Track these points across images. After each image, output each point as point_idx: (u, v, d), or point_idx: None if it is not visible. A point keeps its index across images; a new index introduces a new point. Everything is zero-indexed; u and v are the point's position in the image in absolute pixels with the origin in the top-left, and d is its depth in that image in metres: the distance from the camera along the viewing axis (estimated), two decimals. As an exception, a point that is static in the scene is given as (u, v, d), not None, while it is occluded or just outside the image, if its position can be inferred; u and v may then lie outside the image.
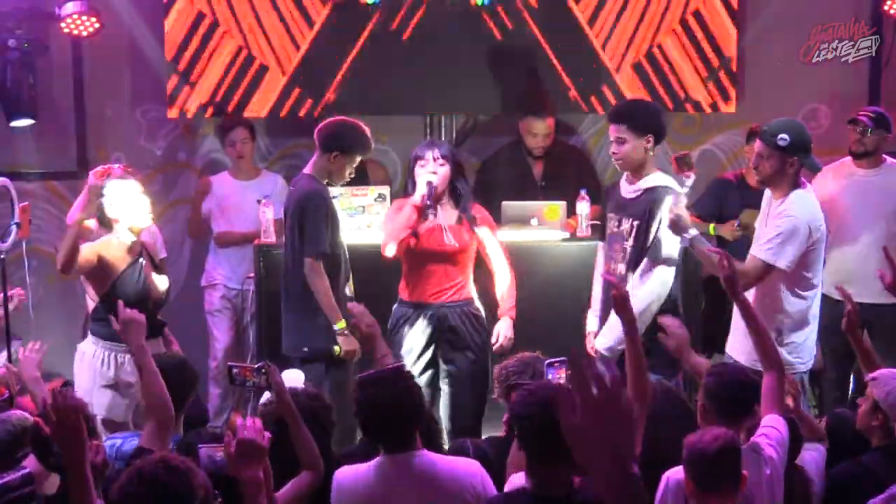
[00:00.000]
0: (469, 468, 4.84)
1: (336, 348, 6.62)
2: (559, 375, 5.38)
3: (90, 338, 6.79)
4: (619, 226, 6.51)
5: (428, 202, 6.68)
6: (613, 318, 6.24)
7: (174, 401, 5.10)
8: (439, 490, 4.70)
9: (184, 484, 3.89)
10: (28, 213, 7.40)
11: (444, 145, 6.98)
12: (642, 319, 6.14)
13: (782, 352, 6.14)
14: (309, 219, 6.68)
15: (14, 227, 7.19)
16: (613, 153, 6.49)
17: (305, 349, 6.73)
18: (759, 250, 6.17)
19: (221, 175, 8.42)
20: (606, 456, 2.51)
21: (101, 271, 6.60)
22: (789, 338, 6.24)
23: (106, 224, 6.70)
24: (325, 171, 6.80)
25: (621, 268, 6.49)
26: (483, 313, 6.94)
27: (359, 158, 6.88)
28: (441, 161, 6.76)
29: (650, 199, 6.38)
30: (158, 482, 3.86)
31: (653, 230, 6.38)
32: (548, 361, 5.49)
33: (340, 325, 6.66)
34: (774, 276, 6.20)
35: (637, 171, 6.48)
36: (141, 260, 6.73)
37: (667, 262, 6.38)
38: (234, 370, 5.29)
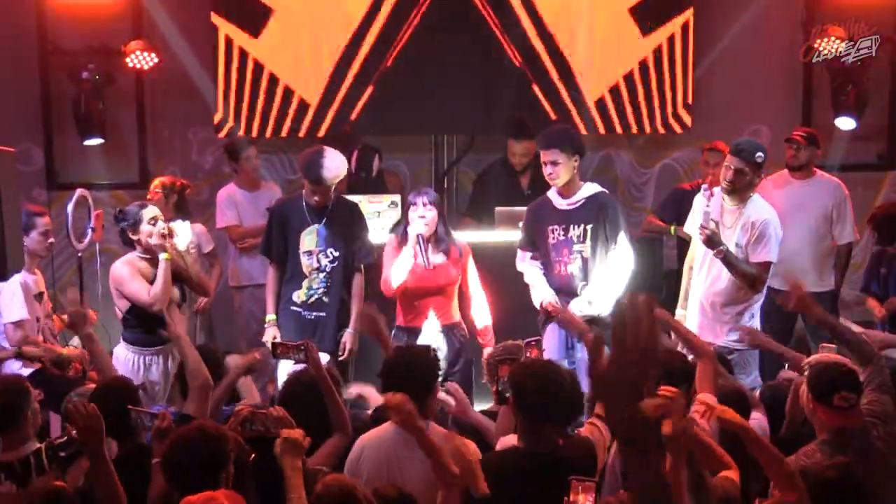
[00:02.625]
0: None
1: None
2: (534, 353, 5.43)
3: (122, 343, 6.44)
4: (566, 234, 6.44)
5: (419, 246, 6.51)
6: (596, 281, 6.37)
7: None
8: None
9: (217, 447, 4.06)
10: (101, 220, 7.46)
11: (430, 192, 6.67)
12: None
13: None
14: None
15: (90, 231, 7.25)
16: (549, 174, 6.38)
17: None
18: (756, 256, 6.26)
19: (229, 187, 8.20)
20: (624, 400, 2.55)
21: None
22: (755, 318, 6.35)
23: (128, 243, 6.42)
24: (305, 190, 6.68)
25: (571, 268, 6.43)
26: (466, 331, 6.69)
27: (315, 185, 6.53)
28: (429, 206, 6.51)
29: (598, 204, 6.41)
30: (196, 447, 4.02)
31: (609, 228, 6.39)
32: (526, 341, 5.52)
33: (269, 317, 6.66)
34: None
35: (568, 185, 6.43)
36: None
37: (626, 248, 6.41)
38: (278, 348, 5.30)
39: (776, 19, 8.84)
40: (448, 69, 8.57)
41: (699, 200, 6.46)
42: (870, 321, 7.92)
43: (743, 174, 6.27)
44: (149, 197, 7.50)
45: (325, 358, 5.81)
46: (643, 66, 8.66)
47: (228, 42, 8.55)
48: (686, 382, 4.96)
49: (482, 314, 6.70)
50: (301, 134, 8.65)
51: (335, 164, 6.53)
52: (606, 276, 6.39)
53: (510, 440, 4.67)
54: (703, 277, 6.46)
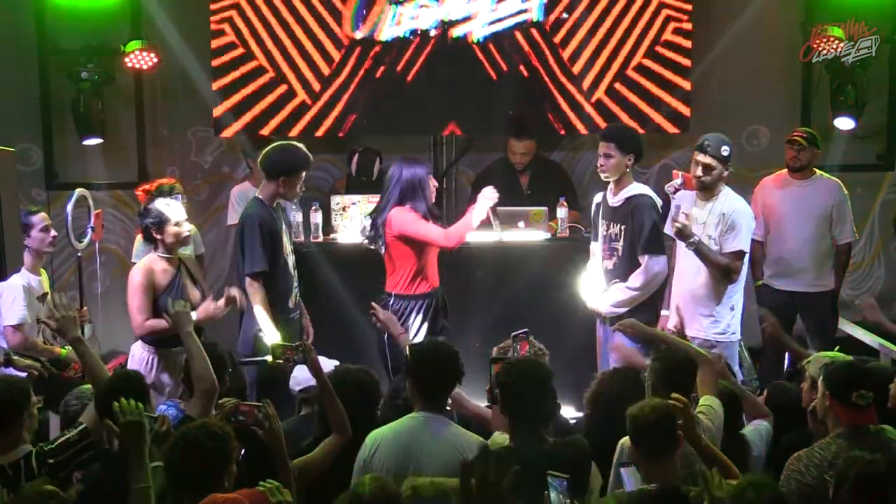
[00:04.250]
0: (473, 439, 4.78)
1: (269, 358, 5.86)
2: (525, 347, 5.44)
3: (139, 341, 6.44)
4: (608, 229, 6.64)
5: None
6: (612, 289, 6.53)
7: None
8: (453, 451, 4.59)
9: (221, 446, 4.07)
10: (101, 219, 7.46)
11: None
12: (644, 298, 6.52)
13: (733, 324, 6.40)
14: (246, 240, 6.48)
15: (90, 230, 7.25)
16: (601, 165, 6.59)
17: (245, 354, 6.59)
18: (728, 246, 6.37)
19: (244, 185, 8.27)
20: None
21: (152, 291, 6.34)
22: (737, 311, 6.40)
23: (150, 240, 6.42)
24: (275, 195, 6.58)
25: (607, 264, 6.64)
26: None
27: (304, 174, 6.63)
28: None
29: (632, 206, 6.53)
30: (200, 445, 4.03)
31: (638, 230, 6.49)
32: (513, 334, 5.51)
33: (280, 335, 6.33)
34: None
35: (619, 182, 6.60)
36: (179, 273, 6.41)
37: (657, 252, 6.50)
38: (277, 350, 5.29)
39: (776, 19, 8.84)
40: (447, 69, 8.58)
41: (683, 200, 6.54)
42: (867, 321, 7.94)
43: (711, 169, 6.43)
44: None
45: (331, 365, 5.81)
46: (642, 65, 8.66)
47: (226, 40, 8.56)
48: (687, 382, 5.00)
49: None
50: (294, 133, 8.63)
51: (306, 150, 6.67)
52: (620, 289, 6.53)
53: (503, 438, 4.72)
54: (682, 272, 6.55)
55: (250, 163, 8.34)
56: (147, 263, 6.37)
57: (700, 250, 6.36)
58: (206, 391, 5.04)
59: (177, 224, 6.31)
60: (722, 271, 6.39)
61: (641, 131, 8.71)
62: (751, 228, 6.52)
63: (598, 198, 6.88)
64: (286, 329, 6.51)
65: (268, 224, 6.54)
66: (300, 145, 6.66)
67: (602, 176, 6.65)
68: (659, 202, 6.63)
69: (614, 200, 6.63)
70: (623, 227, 6.55)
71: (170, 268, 6.35)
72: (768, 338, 6.63)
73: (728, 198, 6.48)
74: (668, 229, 6.64)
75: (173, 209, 6.34)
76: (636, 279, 6.50)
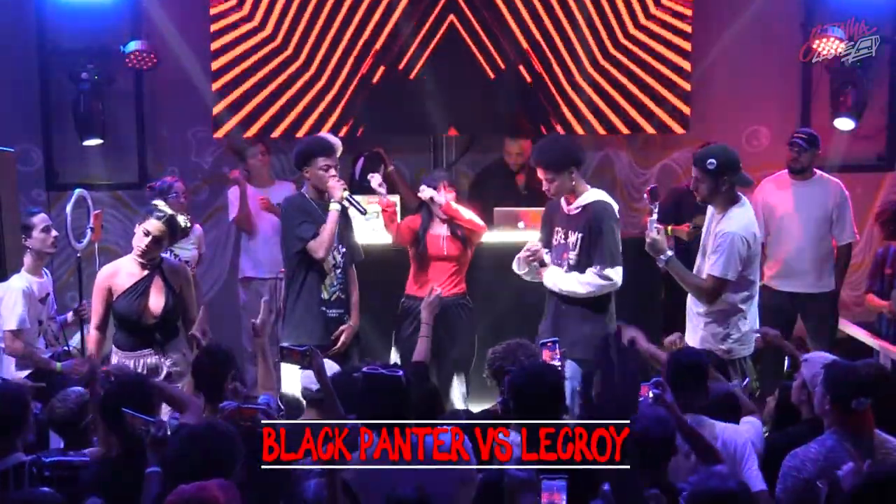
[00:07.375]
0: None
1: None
2: (546, 355, 5.43)
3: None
4: (565, 238, 6.45)
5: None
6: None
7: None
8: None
9: (228, 446, 4.06)
10: (100, 220, 7.45)
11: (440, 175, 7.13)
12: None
13: (730, 343, 6.15)
14: (282, 224, 6.78)
15: (89, 231, 7.24)
16: (546, 190, 6.42)
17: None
18: (709, 268, 6.06)
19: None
20: None
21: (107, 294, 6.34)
22: (735, 326, 6.18)
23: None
24: (309, 187, 6.66)
25: None
26: (471, 304, 6.95)
27: (322, 160, 6.54)
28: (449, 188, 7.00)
29: (590, 214, 6.37)
30: (207, 444, 4.02)
31: (592, 242, 6.35)
32: (542, 342, 5.55)
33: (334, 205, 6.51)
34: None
35: (572, 191, 6.42)
36: (150, 277, 6.32)
37: (614, 263, 6.35)
38: (285, 352, 5.32)
39: (776, 19, 8.84)
40: (447, 70, 8.58)
41: (711, 209, 6.28)
42: (870, 321, 7.94)
43: (698, 181, 6.09)
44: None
45: (333, 367, 5.81)
46: (643, 65, 8.66)
47: (226, 40, 8.57)
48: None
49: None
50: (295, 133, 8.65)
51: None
52: (574, 278, 6.39)
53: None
54: None
55: (244, 165, 8.34)
56: (113, 265, 6.42)
57: (671, 267, 6.09)
58: (194, 413, 5.08)
59: (145, 233, 6.28)
60: (694, 294, 6.12)
61: (644, 131, 8.78)
62: (740, 255, 6.00)
63: (548, 206, 6.68)
64: (316, 320, 6.60)
65: (301, 206, 6.62)
66: (323, 134, 6.85)
67: (551, 197, 6.48)
68: (616, 206, 6.47)
69: (570, 208, 6.44)
70: (581, 237, 6.38)
71: (138, 271, 6.31)
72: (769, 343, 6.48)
73: (729, 218, 6.07)
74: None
75: (146, 220, 6.32)
76: (591, 282, 6.36)
